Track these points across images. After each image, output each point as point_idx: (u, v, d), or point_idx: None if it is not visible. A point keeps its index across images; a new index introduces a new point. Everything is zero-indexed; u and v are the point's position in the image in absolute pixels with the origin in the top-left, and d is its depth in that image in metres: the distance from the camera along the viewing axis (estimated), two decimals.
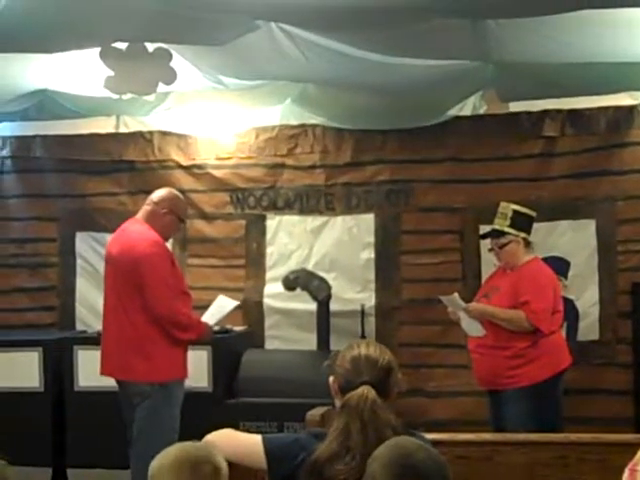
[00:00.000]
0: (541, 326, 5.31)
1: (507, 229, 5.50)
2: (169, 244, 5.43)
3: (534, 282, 5.42)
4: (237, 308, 5.88)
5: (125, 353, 5.08)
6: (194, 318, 5.22)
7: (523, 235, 5.50)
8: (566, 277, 6.31)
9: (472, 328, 5.47)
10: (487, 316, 5.41)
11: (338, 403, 2.88)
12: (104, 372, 5.25)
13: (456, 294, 5.54)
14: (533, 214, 5.59)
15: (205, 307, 5.94)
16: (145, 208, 5.27)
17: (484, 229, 5.90)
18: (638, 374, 6.23)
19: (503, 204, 5.60)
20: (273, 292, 6.75)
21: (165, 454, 2.37)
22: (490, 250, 5.68)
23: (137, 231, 5.18)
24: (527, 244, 5.54)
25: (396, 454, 2.20)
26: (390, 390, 2.86)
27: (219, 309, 5.60)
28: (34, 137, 7.07)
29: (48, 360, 6.26)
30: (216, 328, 6.09)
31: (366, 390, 2.79)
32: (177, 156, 6.93)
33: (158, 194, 5.31)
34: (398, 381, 2.90)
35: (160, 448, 4.96)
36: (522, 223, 5.51)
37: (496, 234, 5.55)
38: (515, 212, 5.52)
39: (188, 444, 2.49)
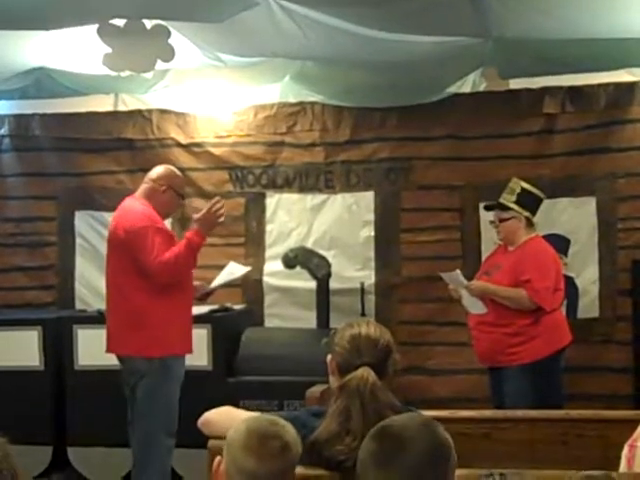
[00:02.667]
0: (543, 304, 5.30)
1: (512, 205, 5.47)
2: (168, 223, 5.37)
3: (536, 260, 5.41)
4: (238, 286, 6.09)
5: (122, 329, 5.04)
6: (174, 251, 4.95)
7: (526, 214, 5.47)
8: (566, 255, 6.30)
9: (474, 305, 5.47)
10: (489, 294, 5.41)
11: (334, 381, 2.87)
12: (107, 349, 5.21)
13: (458, 271, 5.53)
14: (542, 195, 5.55)
15: None
16: (143, 186, 5.17)
17: None
18: (638, 351, 6.22)
19: (514, 179, 5.56)
20: (273, 270, 6.74)
21: (238, 425, 2.33)
22: (491, 222, 5.65)
23: (130, 207, 5.11)
24: (530, 224, 5.51)
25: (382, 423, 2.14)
26: (388, 370, 2.86)
27: (228, 275, 5.69)
28: (32, 115, 7.03)
29: (48, 339, 6.25)
30: (216, 307, 6.13)
31: (366, 372, 2.78)
32: (176, 134, 6.90)
33: (156, 171, 5.21)
34: (396, 361, 2.89)
35: (160, 426, 4.98)
36: (528, 202, 5.47)
37: (500, 207, 5.53)
38: (523, 190, 5.48)
39: (262, 417, 2.44)
